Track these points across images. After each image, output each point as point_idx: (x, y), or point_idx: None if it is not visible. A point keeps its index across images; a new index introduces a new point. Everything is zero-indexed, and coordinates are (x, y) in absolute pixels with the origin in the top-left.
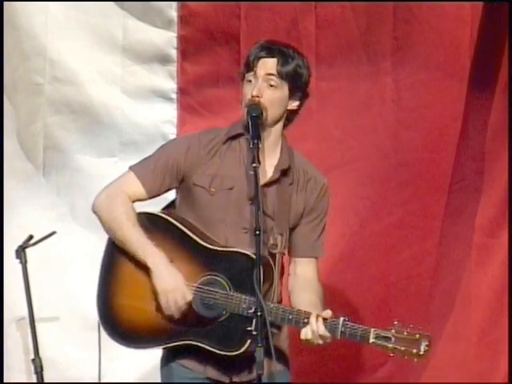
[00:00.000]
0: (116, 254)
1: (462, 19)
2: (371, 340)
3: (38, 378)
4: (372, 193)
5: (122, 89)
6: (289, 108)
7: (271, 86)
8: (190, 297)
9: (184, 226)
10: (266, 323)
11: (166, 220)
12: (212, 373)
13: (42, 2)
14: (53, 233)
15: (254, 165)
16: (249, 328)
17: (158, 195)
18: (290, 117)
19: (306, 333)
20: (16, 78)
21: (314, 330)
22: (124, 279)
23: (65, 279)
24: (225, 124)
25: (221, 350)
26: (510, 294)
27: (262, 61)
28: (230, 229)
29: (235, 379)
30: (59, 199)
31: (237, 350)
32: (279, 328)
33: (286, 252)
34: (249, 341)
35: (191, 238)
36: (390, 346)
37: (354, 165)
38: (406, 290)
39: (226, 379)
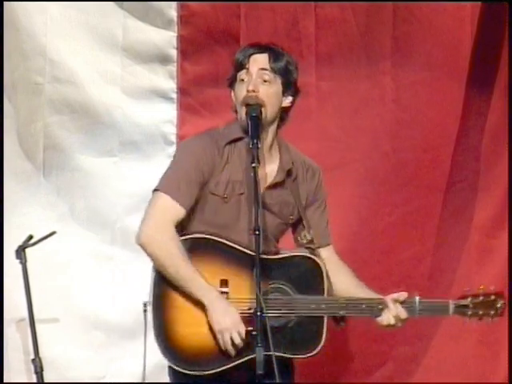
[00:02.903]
0: (165, 283)
1: (462, 19)
2: (451, 312)
3: (37, 378)
4: (372, 193)
5: (121, 89)
6: (283, 105)
7: (265, 81)
8: (243, 333)
9: (232, 241)
10: (266, 323)
11: (214, 240)
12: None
13: (41, 2)
14: (53, 233)
15: (253, 165)
16: (249, 328)
17: None
18: (283, 115)
19: (388, 319)
20: (16, 77)
21: (395, 315)
22: (178, 306)
23: (65, 279)
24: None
25: (296, 355)
26: (509, 293)
27: (253, 57)
28: (242, 233)
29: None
30: (59, 199)
31: (312, 351)
32: (346, 321)
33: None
34: (323, 341)
35: (244, 253)
36: (469, 312)
37: (353, 165)
38: (406, 290)
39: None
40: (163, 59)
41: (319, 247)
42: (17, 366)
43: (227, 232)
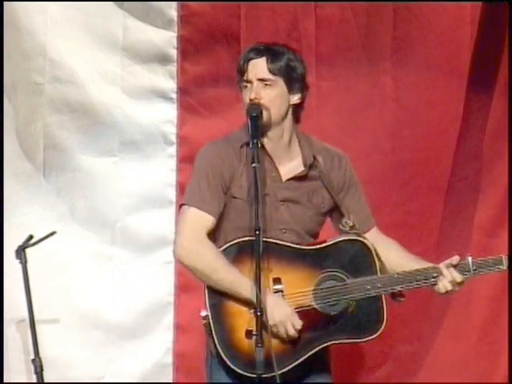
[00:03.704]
0: (218, 292)
1: (462, 19)
2: (505, 265)
3: (38, 378)
4: (372, 192)
5: (122, 88)
6: (291, 103)
7: (266, 85)
8: (299, 324)
9: (274, 238)
10: (265, 323)
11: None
12: None
13: (42, 2)
14: (53, 233)
15: (253, 165)
16: (249, 328)
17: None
18: (296, 111)
19: (444, 286)
20: (16, 77)
21: (451, 280)
22: (235, 313)
23: (65, 279)
24: (225, 124)
25: (361, 338)
26: (509, 293)
27: (251, 63)
28: (273, 232)
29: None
30: (59, 199)
31: (377, 331)
32: (404, 296)
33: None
34: (385, 320)
35: (290, 247)
36: None
37: (353, 164)
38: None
39: None
40: (163, 59)
41: (364, 232)
42: (17, 366)
43: (252, 234)
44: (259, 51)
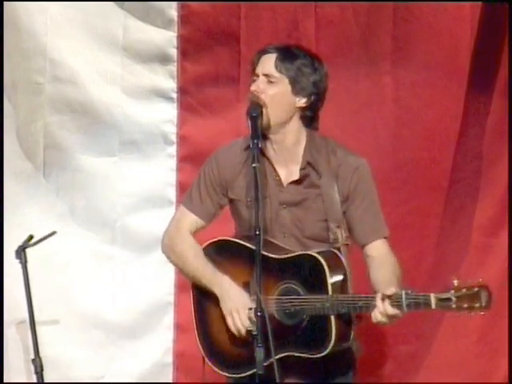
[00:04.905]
0: (201, 296)
1: (462, 19)
2: (433, 305)
3: (38, 378)
4: None
5: (122, 88)
6: (297, 105)
7: (270, 81)
8: (245, 322)
9: (251, 243)
10: (266, 324)
11: (234, 242)
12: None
13: (42, 2)
14: (53, 233)
15: (253, 165)
16: (249, 328)
17: (216, 216)
18: (303, 115)
19: (375, 316)
20: (16, 77)
21: (381, 311)
22: (212, 313)
23: (65, 279)
24: (225, 124)
25: (312, 355)
26: (509, 293)
27: (262, 58)
28: (270, 236)
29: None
30: (59, 199)
31: (323, 351)
32: (361, 318)
33: (349, 242)
34: (333, 340)
35: (261, 254)
36: (454, 306)
37: None
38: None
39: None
40: (163, 59)
41: (365, 245)
42: (17, 366)
43: (263, 235)
44: (274, 48)
